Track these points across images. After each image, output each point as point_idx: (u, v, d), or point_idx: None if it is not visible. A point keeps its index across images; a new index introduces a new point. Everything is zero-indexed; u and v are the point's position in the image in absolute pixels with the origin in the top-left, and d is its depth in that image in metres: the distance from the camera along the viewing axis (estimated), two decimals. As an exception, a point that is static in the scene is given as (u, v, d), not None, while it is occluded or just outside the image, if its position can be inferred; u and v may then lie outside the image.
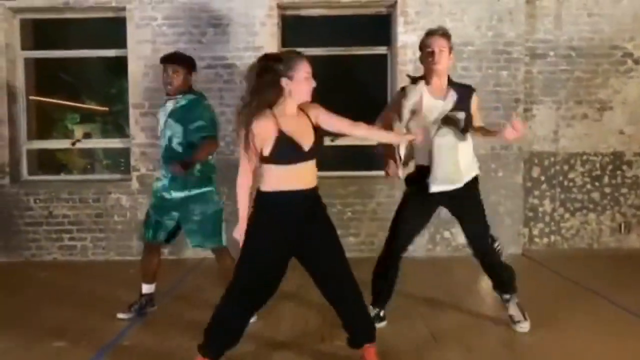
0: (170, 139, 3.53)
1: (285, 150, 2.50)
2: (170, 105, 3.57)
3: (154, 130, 4.87)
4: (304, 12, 5.63)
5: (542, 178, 5.72)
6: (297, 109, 2.59)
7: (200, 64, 5.37)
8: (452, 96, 3.14)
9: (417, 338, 3.24)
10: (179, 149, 3.51)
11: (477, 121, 3.25)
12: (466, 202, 3.25)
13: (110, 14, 5.53)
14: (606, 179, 5.72)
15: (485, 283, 3.67)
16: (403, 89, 3.28)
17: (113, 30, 5.57)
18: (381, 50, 5.66)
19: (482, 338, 3.24)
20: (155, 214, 3.64)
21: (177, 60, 3.60)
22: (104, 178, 5.83)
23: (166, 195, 3.58)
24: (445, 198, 3.23)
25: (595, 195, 5.73)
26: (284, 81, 2.50)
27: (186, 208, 3.55)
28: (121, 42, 5.46)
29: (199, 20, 5.39)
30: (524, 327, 3.30)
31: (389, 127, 3.24)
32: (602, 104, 5.67)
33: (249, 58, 5.37)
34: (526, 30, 5.47)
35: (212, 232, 3.57)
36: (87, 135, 6.72)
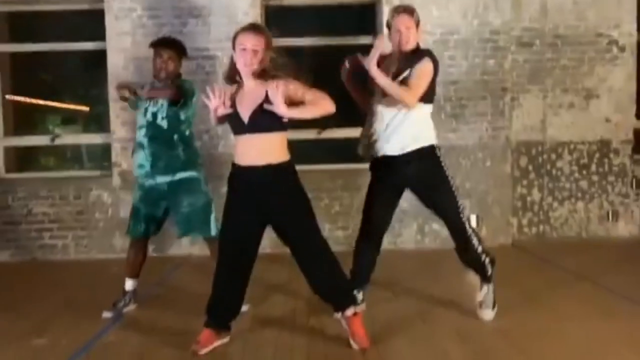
0: (154, 115, 3.44)
1: (231, 120, 2.76)
2: (157, 85, 3.48)
3: (135, 123, 4.72)
4: (287, 2, 5.52)
5: (530, 167, 5.68)
6: (257, 81, 2.73)
7: (181, 56, 5.30)
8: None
9: (407, 319, 3.31)
10: (164, 124, 3.43)
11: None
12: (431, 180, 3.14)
13: (86, 6, 5.38)
14: (594, 167, 5.69)
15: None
16: None
17: (92, 22, 5.40)
18: (366, 40, 5.58)
19: (475, 323, 3.21)
20: (145, 207, 3.52)
21: (173, 46, 3.56)
22: (84, 175, 5.65)
23: (151, 182, 3.46)
24: (409, 180, 3.17)
25: (583, 184, 5.70)
26: (233, 54, 2.77)
27: (174, 198, 3.44)
28: (100, 35, 5.31)
29: (180, 10, 5.25)
30: (490, 315, 3.24)
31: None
32: (589, 92, 5.63)
33: (231, 49, 5.26)
34: (512, 18, 5.43)
35: (201, 223, 3.47)
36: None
